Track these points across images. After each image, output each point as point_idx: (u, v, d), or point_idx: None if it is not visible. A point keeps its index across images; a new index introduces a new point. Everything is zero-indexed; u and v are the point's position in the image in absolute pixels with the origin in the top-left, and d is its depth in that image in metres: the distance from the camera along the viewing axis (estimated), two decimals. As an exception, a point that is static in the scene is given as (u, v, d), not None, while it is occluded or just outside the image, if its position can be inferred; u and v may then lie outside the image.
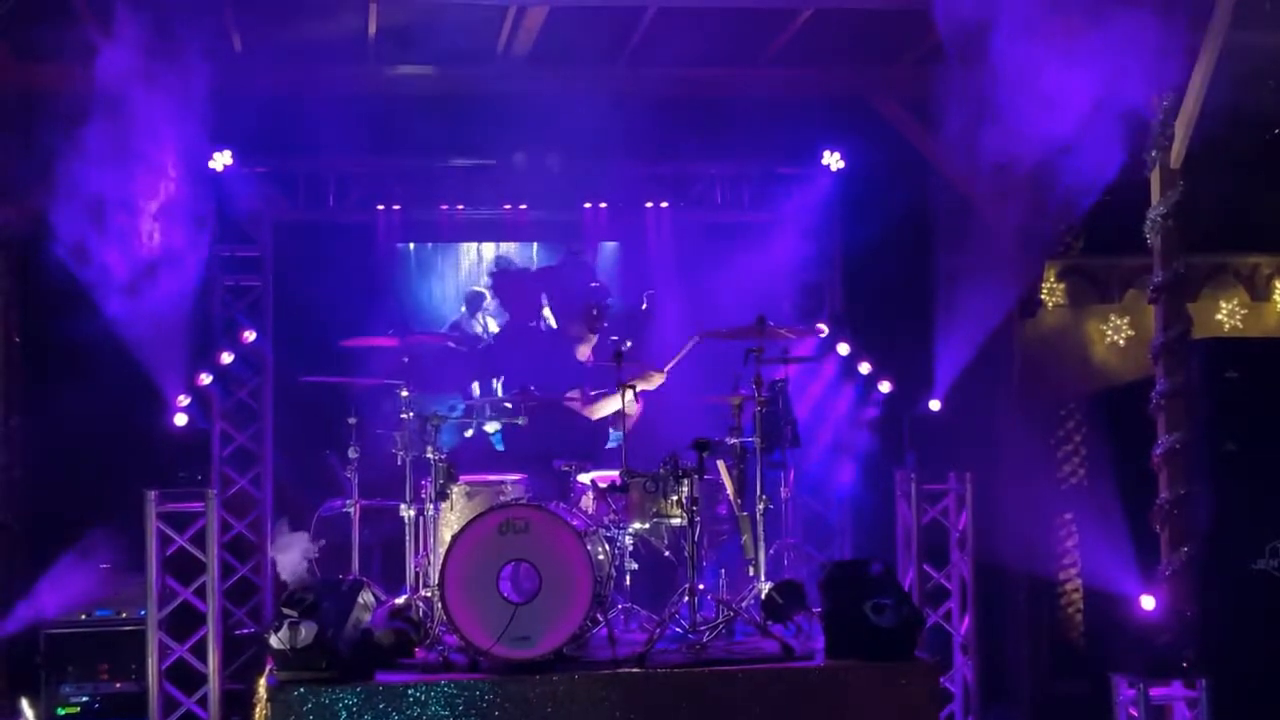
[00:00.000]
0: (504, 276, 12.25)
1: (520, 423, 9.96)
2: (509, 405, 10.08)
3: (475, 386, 11.35)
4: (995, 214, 11.13)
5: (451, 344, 11.46)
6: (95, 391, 10.67)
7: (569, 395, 10.76)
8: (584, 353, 11.11)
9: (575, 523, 8.86)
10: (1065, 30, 9.01)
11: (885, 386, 11.73)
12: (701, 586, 9.00)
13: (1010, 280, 11.62)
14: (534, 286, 11.96)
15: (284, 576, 10.97)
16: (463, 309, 12.54)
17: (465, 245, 12.67)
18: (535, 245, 12.70)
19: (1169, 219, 9.73)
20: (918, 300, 11.70)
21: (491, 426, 11.39)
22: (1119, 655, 9.63)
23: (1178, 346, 9.74)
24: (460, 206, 12.08)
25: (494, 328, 12.39)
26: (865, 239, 11.93)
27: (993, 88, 9.15)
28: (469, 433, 11.61)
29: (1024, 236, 11.19)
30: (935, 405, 11.24)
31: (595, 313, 11.09)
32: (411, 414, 9.33)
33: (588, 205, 12.15)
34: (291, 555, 10.91)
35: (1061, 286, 12.80)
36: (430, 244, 12.59)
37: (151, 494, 9.87)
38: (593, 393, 10.70)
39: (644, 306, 12.11)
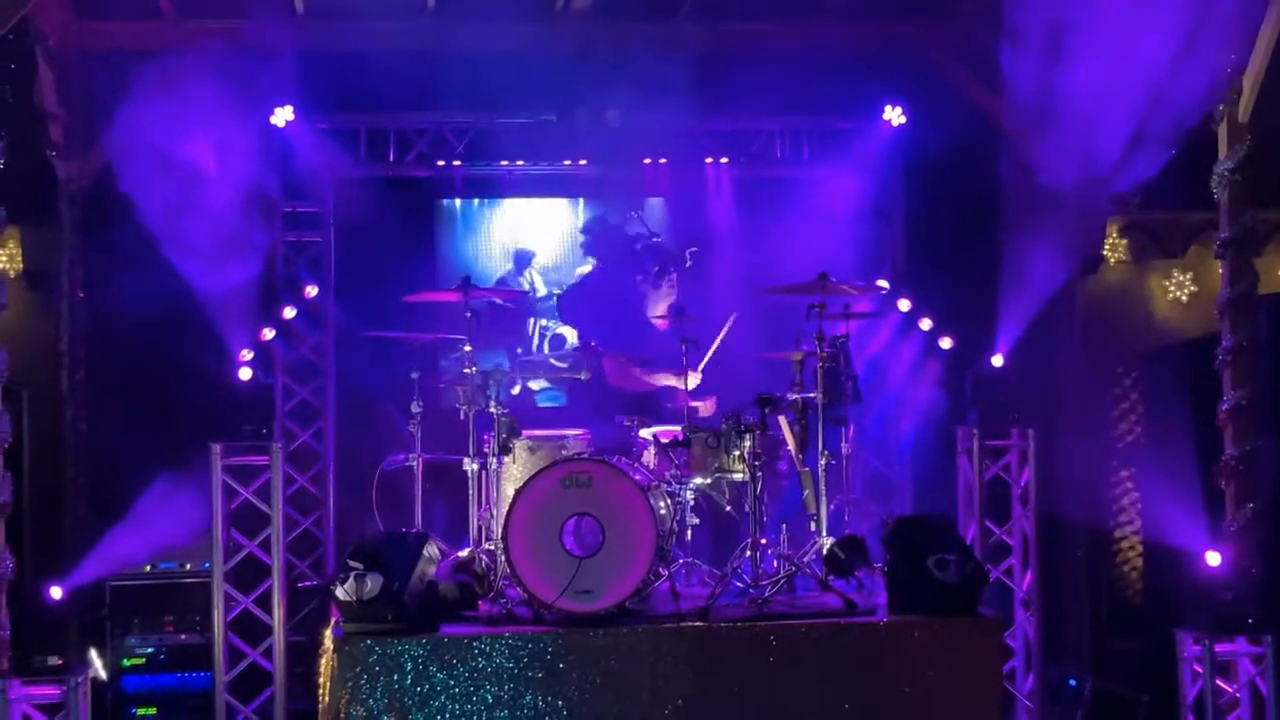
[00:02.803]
0: (600, 230, 12.25)
1: (582, 377, 9.96)
2: (562, 364, 10.09)
3: (534, 341, 11.38)
4: (1058, 169, 11.02)
5: (503, 301, 11.47)
6: (160, 346, 10.77)
7: (628, 359, 10.78)
8: (659, 309, 11.12)
9: (638, 477, 8.87)
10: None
11: (946, 343, 11.68)
12: (763, 541, 9.01)
13: (1073, 236, 11.51)
14: (626, 240, 11.98)
15: None
16: (509, 266, 12.52)
17: (515, 202, 12.63)
18: (580, 203, 12.65)
19: (1236, 173, 9.62)
20: (979, 256, 11.61)
21: (537, 384, 11.42)
22: (1181, 612, 9.56)
23: (1244, 302, 9.64)
24: (520, 162, 12.06)
25: (541, 287, 12.39)
26: (926, 194, 11.88)
27: (1057, 42, 9.05)
28: (516, 389, 11.68)
29: (1087, 192, 11.07)
30: (997, 361, 11.17)
31: (663, 268, 11.12)
32: (474, 368, 9.34)
33: (647, 161, 12.10)
34: None
35: (1124, 242, 12.69)
36: (489, 200, 12.56)
37: (217, 447, 9.92)
38: (640, 366, 10.71)
39: (688, 264, 12.07)
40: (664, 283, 11.28)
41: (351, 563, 8.32)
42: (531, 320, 12.43)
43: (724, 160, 12.20)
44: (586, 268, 12.37)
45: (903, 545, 8.85)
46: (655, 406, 10.61)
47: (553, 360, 10.06)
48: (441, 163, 12.02)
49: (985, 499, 10.77)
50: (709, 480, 9.33)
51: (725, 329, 10.45)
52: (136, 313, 10.69)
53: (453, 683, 8.19)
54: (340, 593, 8.25)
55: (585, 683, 8.26)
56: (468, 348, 9.40)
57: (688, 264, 12.02)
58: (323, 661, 8.40)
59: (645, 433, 9.84)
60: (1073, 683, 11.27)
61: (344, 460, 11.73)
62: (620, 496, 8.60)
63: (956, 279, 11.85)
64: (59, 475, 11.18)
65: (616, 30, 11.43)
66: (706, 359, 10.52)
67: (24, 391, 10.35)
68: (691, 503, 9.35)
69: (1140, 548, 12.11)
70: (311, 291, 11.59)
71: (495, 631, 8.33)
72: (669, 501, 9.24)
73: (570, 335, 12.30)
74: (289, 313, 11.44)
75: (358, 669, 8.13)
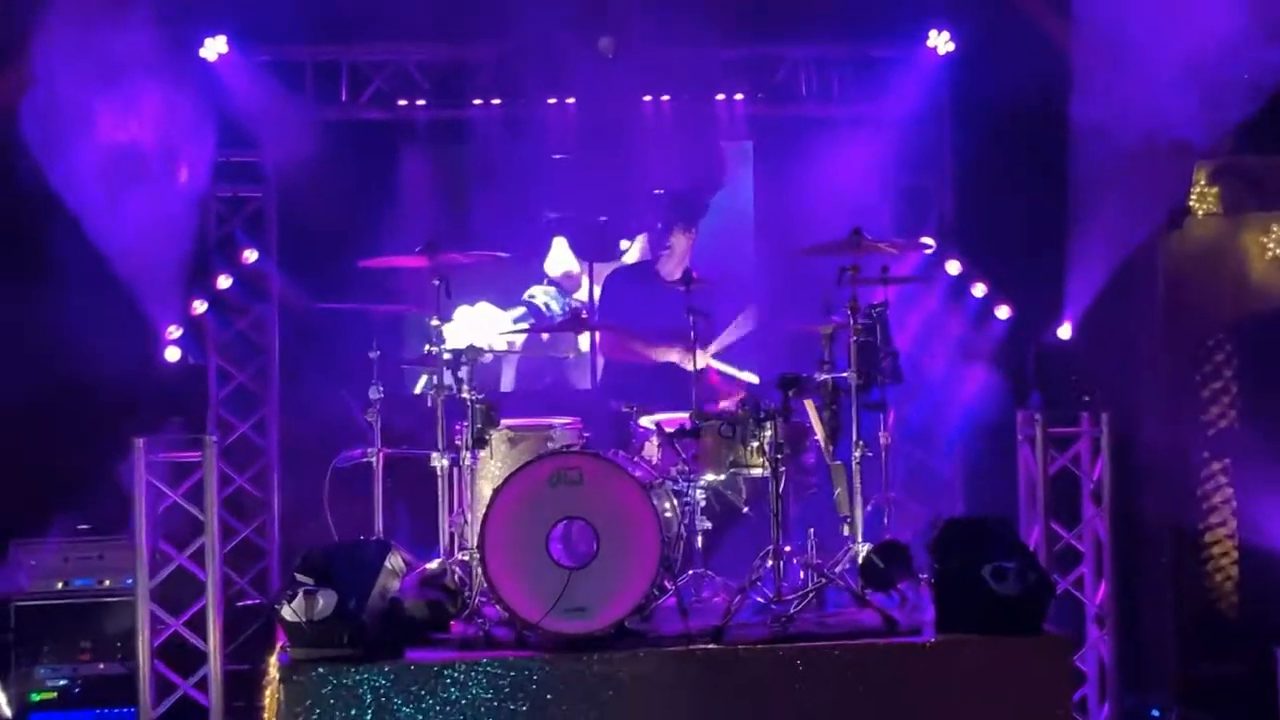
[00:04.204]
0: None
1: (570, 356, 9.96)
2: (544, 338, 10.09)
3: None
4: (1136, 106, 10.99)
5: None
6: (71, 321, 10.72)
7: (627, 330, 10.79)
8: (672, 270, 11.12)
9: (638, 473, 8.90)
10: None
11: (1004, 312, 11.67)
12: (787, 548, 9.03)
13: (1154, 185, 11.49)
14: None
15: None
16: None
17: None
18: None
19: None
20: (1043, 208, 11.57)
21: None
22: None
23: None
24: (496, 101, 12.03)
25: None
26: (980, 136, 11.84)
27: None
28: (507, 383, 11.70)
29: (1171, 133, 11.05)
30: (1065, 333, 11.17)
31: (667, 224, 11.14)
32: (444, 346, 9.33)
33: (647, 98, 12.08)
34: None
35: (1214, 191, 12.63)
36: (460, 147, 12.53)
37: (139, 442, 9.91)
38: (641, 339, 10.72)
39: (697, 220, 12.09)
40: (673, 240, 11.25)
41: (300, 577, 8.33)
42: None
43: (738, 97, 12.17)
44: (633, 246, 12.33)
45: (953, 552, 8.86)
46: (660, 388, 10.61)
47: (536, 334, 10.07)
48: (403, 102, 12.00)
49: (1051, 496, 10.75)
50: (723, 476, 9.37)
51: (732, 333, 10.46)
52: (44, 282, 10.66)
53: (420, 718, 8.19)
54: (287, 612, 8.27)
55: (577, 717, 8.28)
56: (435, 321, 9.39)
57: (697, 220, 12.01)
58: (267, 694, 8.43)
59: (646, 420, 9.85)
60: (1156, 713, 11.29)
61: (290, 456, 11.71)
62: (617, 496, 8.62)
63: (1015, 236, 11.82)
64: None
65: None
66: (718, 346, 10.52)
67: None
68: (702, 503, 9.38)
69: (1235, 553, 12.08)
70: (250, 256, 11.58)
71: (471, 657, 8.35)
72: (675, 502, 9.26)
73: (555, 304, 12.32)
74: (224, 282, 11.43)
75: (308, 702, 8.14)
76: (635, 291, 11.45)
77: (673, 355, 10.60)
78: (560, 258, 12.31)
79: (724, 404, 10.35)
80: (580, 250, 12.21)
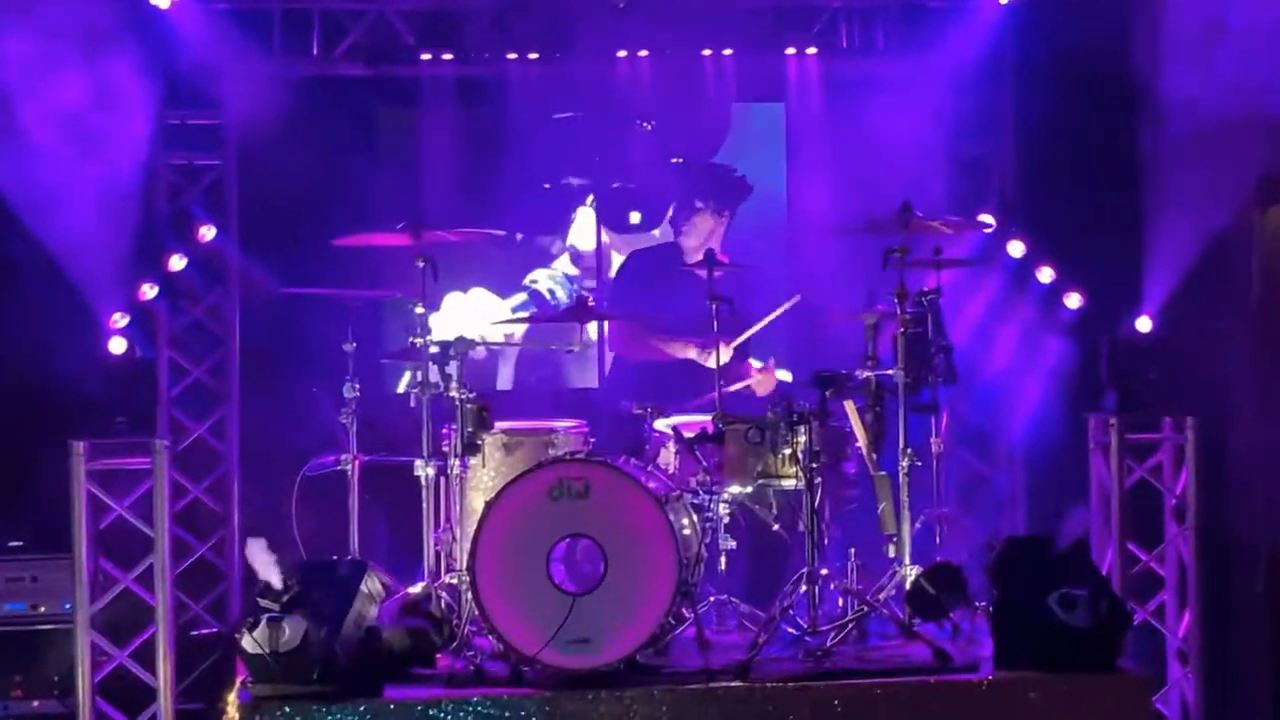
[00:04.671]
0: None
1: (575, 349, 9.95)
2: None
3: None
4: (1227, 66, 10.96)
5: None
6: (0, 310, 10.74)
7: (641, 322, 10.79)
8: (691, 252, 11.11)
9: (652, 485, 8.89)
10: None
11: (1074, 300, 11.63)
12: (824, 572, 9.03)
13: (1246, 155, 11.45)
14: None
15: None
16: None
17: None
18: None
19: None
20: (1120, 182, 11.56)
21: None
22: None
23: None
24: (512, 56, 12.01)
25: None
26: (1047, 97, 11.80)
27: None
28: (505, 380, 11.70)
29: (1267, 98, 11.02)
30: (1144, 325, 11.12)
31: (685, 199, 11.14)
32: (429, 338, 9.32)
33: (644, 54, 12.06)
34: None
35: (1317, 164, 12.64)
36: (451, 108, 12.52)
37: (79, 446, 9.90)
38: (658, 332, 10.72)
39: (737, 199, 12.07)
40: (698, 218, 11.23)
41: (263, 602, 8.33)
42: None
43: (776, 51, 12.14)
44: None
45: (1014, 576, 8.85)
46: (675, 386, 10.59)
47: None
48: (385, 57, 11.96)
49: (1128, 513, 10.73)
50: (750, 489, 9.36)
51: (781, 310, 10.44)
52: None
53: (401, 765, 8.22)
54: (248, 643, 8.26)
55: (581, 765, 8.29)
56: (420, 309, 9.37)
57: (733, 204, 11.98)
58: (225, 736, 8.44)
59: (662, 424, 9.83)
60: (1247, 761, 11.29)
61: (253, 463, 11.71)
62: (628, 511, 8.62)
63: (1087, 214, 11.80)
64: None
65: None
66: (748, 335, 10.50)
67: None
68: (726, 519, 9.37)
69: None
70: (207, 234, 11.56)
71: (459, 695, 8.35)
72: (695, 517, 9.23)
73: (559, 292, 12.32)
74: (177, 263, 11.40)
75: (272, 746, 8.15)
76: (658, 277, 11.42)
77: (691, 352, 10.57)
78: (587, 231, 12.28)
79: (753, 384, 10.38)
80: (608, 220, 12.18)
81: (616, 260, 12.21)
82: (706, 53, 12.07)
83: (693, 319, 10.38)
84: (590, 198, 12.25)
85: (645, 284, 11.39)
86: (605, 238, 12.26)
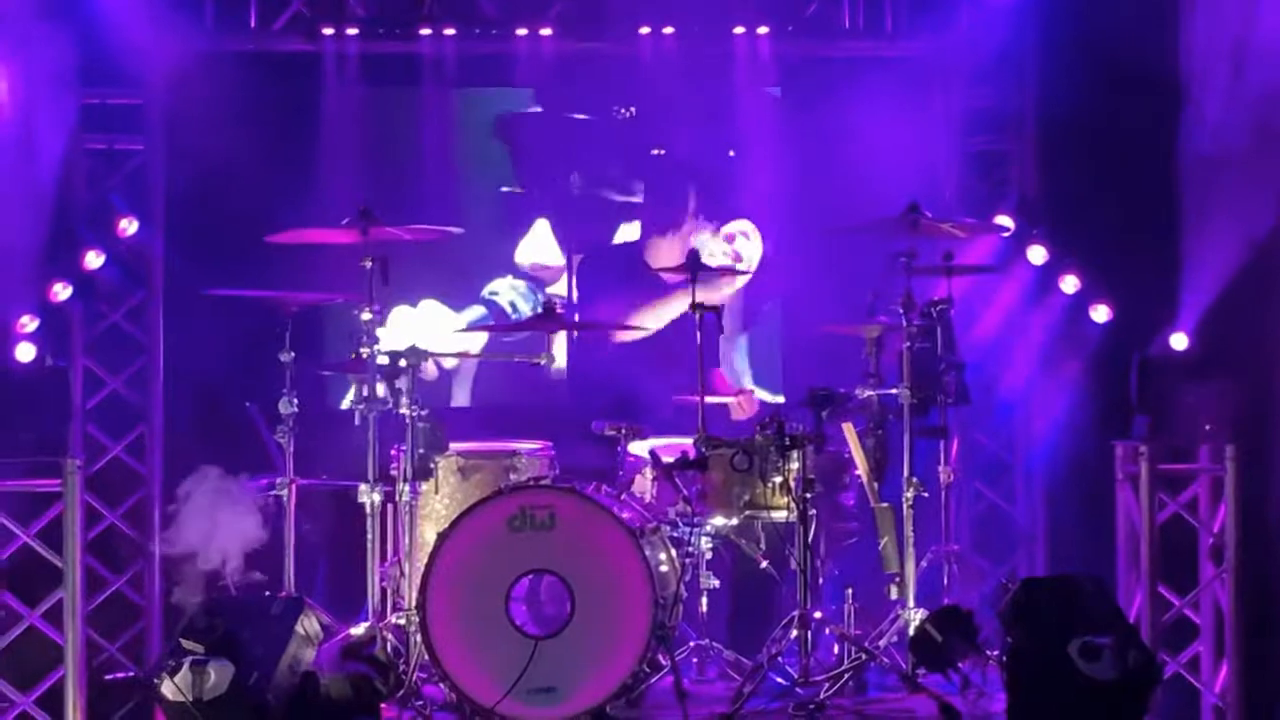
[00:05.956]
0: (519, 128, 12.23)
1: (540, 362, 9.94)
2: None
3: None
4: (1272, 59, 11.00)
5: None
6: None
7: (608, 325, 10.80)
8: (664, 256, 11.11)
9: (626, 515, 8.89)
10: None
11: (1101, 313, 11.66)
12: (818, 615, 9.05)
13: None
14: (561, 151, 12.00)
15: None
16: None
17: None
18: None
19: None
20: (1154, 183, 11.57)
21: (449, 362, 11.48)
22: None
23: None
24: (450, 32, 12.02)
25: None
26: (1072, 89, 11.84)
27: None
28: (461, 396, 11.70)
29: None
30: (1179, 342, 11.14)
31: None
32: (377, 347, 9.30)
33: (645, 30, 12.07)
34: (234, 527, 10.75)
35: (1370, 166, 12.68)
36: (401, 89, 12.52)
37: (-20, 466, 9.92)
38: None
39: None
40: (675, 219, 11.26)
41: (186, 643, 8.31)
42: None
43: (762, 30, 12.17)
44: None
45: (1031, 622, 8.81)
46: (650, 406, 10.59)
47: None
48: (329, 30, 11.99)
49: (1158, 552, 10.75)
50: (735, 521, 9.36)
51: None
52: None
53: (340, 828, 8.22)
54: (169, 688, 8.24)
55: (543, 830, 8.31)
56: (367, 315, 9.36)
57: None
58: (141, 795, 8.43)
59: (638, 447, 9.82)
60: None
61: (177, 486, 11.65)
62: (598, 544, 8.63)
63: (1117, 218, 11.83)
64: None
65: None
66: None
67: None
68: (708, 555, 9.38)
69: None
70: (129, 227, 11.54)
71: (405, 750, 8.34)
72: (673, 552, 9.24)
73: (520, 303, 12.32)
74: (94, 260, 11.38)
75: (194, 806, 8.14)
76: (618, 281, 11.42)
77: (675, 303, 10.51)
78: (537, 245, 12.27)
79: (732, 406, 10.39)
80: (564, 238, 12.18)
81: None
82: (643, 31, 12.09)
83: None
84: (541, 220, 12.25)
85: (603, 289, 11.36)
86: (557, 258, 12.22)
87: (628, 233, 12.30)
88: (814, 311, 10.56)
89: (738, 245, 11.62)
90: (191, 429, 11.69)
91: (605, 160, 12.25)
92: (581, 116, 12.38)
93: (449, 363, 11.53)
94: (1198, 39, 11.55)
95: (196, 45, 11.74)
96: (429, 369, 9.79)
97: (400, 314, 11.81)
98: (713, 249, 11.46)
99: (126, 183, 11.81)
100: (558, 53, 12.16)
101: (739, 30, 12.16)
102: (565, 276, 12.15)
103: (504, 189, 12.35)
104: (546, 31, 12.06)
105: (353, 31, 11.99)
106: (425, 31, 12.04)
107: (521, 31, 12.07)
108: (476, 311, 12.21)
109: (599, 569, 8.57)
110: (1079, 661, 8.55)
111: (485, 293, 12.32)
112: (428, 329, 11.91)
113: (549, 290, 12.09)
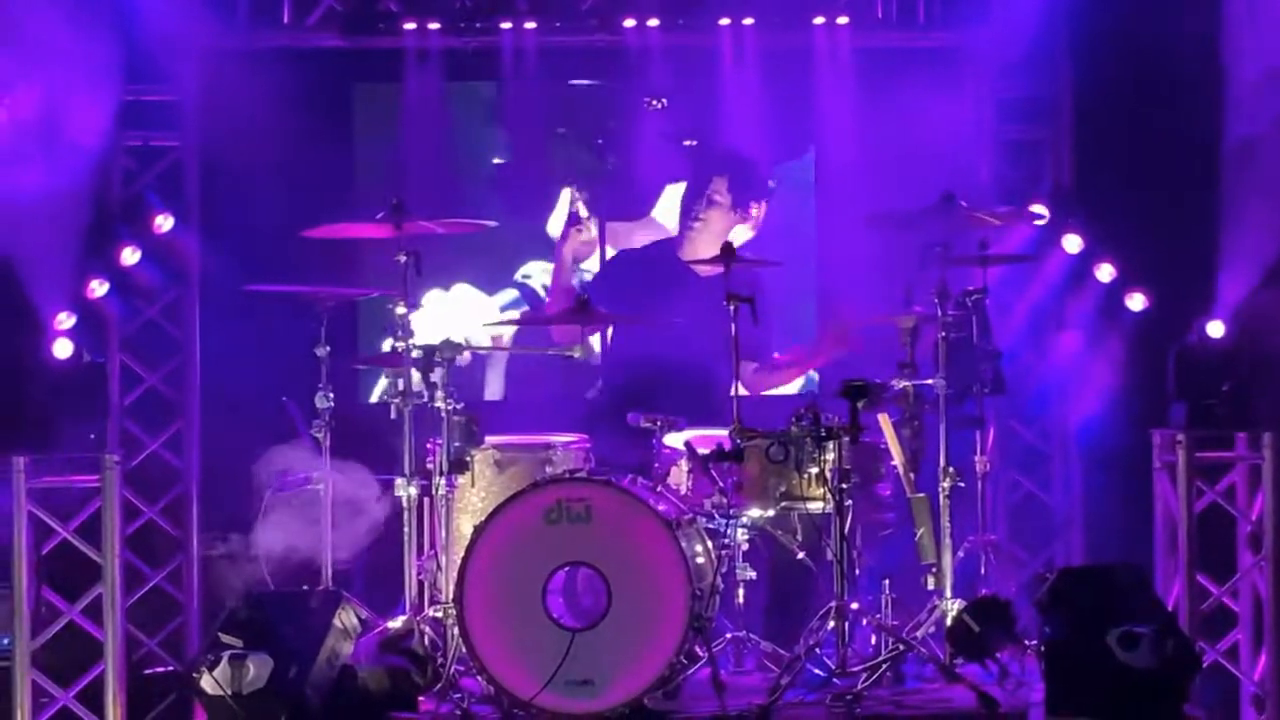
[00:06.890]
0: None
1: (577, 355, 9.94)
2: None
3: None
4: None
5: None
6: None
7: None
8: (700, 248, 11.07)
9: (662, 507, 8.88)
10: None
11: (1138, 302, 11.63)
12: (854, 606, 9.03)
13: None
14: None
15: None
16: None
17: (484, 86, 12.61)
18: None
19: None
20: (1192, 169, 11.54)
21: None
22: None
23: None
24: (507, 25, 12.02)
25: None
26: (1107, 78, 11.82)
27: None
28: (494, 390, 11.71)
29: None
30: (1216, 330, 11.11)
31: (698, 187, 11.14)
32: (412, 341, 9.32)
33: (653, 22, 12.07)
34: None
35: None
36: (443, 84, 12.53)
37: (20, 461, 9.93)
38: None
39: (771, 185, 12.04)
40: (702, 209, 11.23)
41: (225, 638, 8.35)
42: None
43: (841, 20, 12.16)
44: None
45: (1069, 612, 8.83)
46: (698, 399, 10.58)
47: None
48: (365, 27, 11.98)
49: (1197, 540, 10.71)
50: (771, 512, 9.39)
51: None
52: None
53: (379, 821, 8.25)
54: (208, 683, 8.27)
55: (581, 822, 8.32)
56: (401, 309, 9.37)
57: (771, 185, 11.96)
58: (181, 789, 8.46)
59: (674, 439, 9.83)
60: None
61: (214, 481, 11.71)
62: (635, 536, 8.64)
63: (1154, 205, 11.79)
64: None
65: None
66: None
67: None
68: (745, 547, 9.40)
69: None
70: (164, 223, 11.55)
71: (444, 742, 8.34)
72: (710, 544, 9.23)
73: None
74: (130, 256, 11.40)
75: (234, 800, 8.17)
76: (647, 282, 11.38)
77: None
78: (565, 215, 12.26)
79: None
80: (594, 204, 12.14)
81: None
82: (724, 22, 12.05)
83: (694, 329, 10.35)
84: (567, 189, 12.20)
85: (632, 290, 11.32)
86: (593, 230, 12.17)
87: (664, 208, 12.30)
88: (849, 302, 10.54)
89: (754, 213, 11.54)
90: (228, 424, 11.68)
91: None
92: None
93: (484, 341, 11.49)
94: (1239, 24, 11.52)
95: (230, 41, 11.77)
96: (463, 355, 9.76)
97: (433, 298, 11.82)
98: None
99: (161, 179, 11.83)
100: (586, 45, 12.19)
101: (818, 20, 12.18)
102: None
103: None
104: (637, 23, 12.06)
105: (434, 26, 11.96)
106: (476, 24, 12.05)
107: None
108: (509, 295, 12.22)
109: (635, 561, 8.57)
110: (1117, 650, 8.55)
111: (518, 275, 12.33)
112: (461, 313, 11.92)
113: (582, 267, 12.06)
